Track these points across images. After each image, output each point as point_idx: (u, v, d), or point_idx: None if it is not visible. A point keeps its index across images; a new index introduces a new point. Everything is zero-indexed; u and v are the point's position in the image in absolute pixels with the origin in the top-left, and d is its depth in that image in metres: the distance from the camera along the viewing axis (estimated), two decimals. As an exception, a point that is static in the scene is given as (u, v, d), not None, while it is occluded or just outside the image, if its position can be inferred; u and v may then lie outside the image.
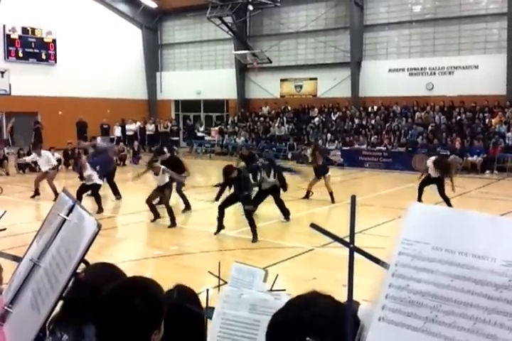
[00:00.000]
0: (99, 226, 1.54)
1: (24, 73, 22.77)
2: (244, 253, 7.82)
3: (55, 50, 24.53)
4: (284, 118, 23.73)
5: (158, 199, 10.11)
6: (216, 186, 9.08)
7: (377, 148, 19.50)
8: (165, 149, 12.15)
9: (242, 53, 23.31)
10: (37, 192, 12.52)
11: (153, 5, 26.37)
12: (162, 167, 9.76)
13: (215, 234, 8.85)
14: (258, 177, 9.93)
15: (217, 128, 25.23)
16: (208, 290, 1.96)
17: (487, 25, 20.38)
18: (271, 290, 1.99)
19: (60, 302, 1.62)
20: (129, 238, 9.22)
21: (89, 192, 11.09)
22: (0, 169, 17.38)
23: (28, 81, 22.67)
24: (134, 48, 28.44)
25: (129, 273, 1.77)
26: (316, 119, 23.02)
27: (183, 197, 11.01)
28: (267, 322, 1.24)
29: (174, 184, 10.77)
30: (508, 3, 19.22)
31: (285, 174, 10.30)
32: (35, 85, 22.88)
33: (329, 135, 21.42)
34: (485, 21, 20.37)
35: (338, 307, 1.21)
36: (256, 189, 9.93)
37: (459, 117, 19.77)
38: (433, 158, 11.28)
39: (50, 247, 1.74)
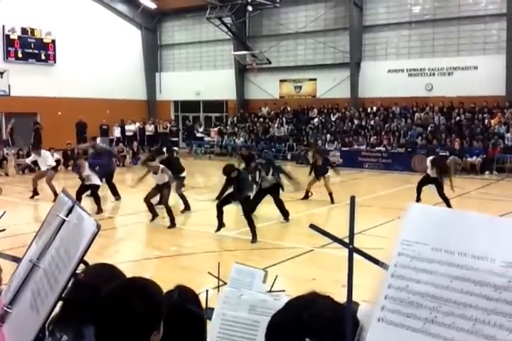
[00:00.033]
0: (98, 227, 1.54)
1: (23, 74, 22.77)
2: (243, 253, 7.82)
3: (54, 50, 24.53)
4: (284, 119, 23.74)
5: (157, 199, 10.10)
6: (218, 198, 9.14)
7: (377, 148, 19.51)
8: (164, 149, 12.16)
9: (241, 54, 23.32)
10: (36, 192, 12.51)
11: (153, 5, 26.39)
12: (161, 166, 9.76)
13: (216, 231, 8.86)
14: (257, 178, 9.94)
15: (216, 128, 25.23)
16: (207, 290, 1.96)
17: (486, 26, 20.40)
18: (270, 290, 1.99)
19: (60, 303, 1.62)
20: (128, 238, 9.22)
21: (88, 192, 11.09)
22: (-1, 169, 17.38)
23: (27, 81, 22.67)
24: (134, 49, 28.45)
25: (129, 274, 1.77)
26: (316, 120, 23.03)
27: (182, 197, 11.01)
28: (266, 323, 1.24)
29: (174, 184, 10.77)
30: (507, 3, 19.24)
31: (282, 177, 10.30)
32: (34, 86, 22.88)
33: (328, 136, 21.43)
34: (484, 22, 20.39)
35: (337, 307, 1.21)
36: (255, 187, 9.93)
37: (458, 118, 19.78)
38: (431, 157, 11.32)
39: (50, 248, 1.74)
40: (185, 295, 1.88)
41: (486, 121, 19.13)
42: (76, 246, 1.57)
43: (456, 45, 21.01)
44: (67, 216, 1.76)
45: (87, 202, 11.06)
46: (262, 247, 8.18)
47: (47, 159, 12.61)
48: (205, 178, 17.38)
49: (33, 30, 23.80)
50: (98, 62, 25.63)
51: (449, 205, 10.33)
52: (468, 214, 1.12)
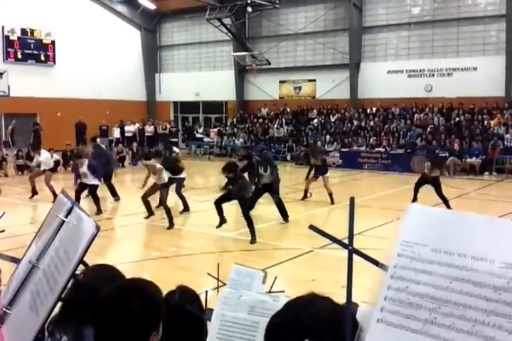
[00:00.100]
0: (97, 228, 1.54)
1: (23, 74, 22.77)
2: (243, 254, 7.82)
3: (53, 51, 24.54)
4: (283, 120, 23.75)
5: (155, 199, 10.10)
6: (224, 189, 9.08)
7: (376, 149, 19.52)
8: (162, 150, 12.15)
9: (240, 55, 23.33)
10: (34, 191, 12.50)
11: (152, 6, 26.40)
12: (158, 166, 9.76)
13: (217, 227, 8.87)
14: (255, 175, 9.97)
15: (216, 129, 25.25)
16: (206, 291, 1.96)
17: (485, 27, 20.42)
18: (270, 291, 1.99)
19: (59, 304, 1.62)
20: (127, 239, 9.21)
21: (87, 192, 11.09)
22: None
23: (26, 82, 22.67)
24: (133, 50, 28.46)
25: (128, 275, 1.77)
26: (315, 121, 23.04)
27: (182, 198, 11.01)
28: (265, 324, 1.24)
29: (173, 185, 10.78)
30: (506, 5, 19.27)
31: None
32: (34, 86, 22.89)
33: (328, 136, 21.44)
34: (483, 23, 20.42)
35: (336, 308, 1.21)
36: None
37: (457, 119, 19.79)
38: (431, 159, 11.36)
39: (49, 249, 1.74)
40: (186, 296, 1.88)
41: (486, 121, 19.14)
42: (75, 247, 1.57)
43: (456, 46, 21.04)
44: (66, 217, 1.76)
45: (86, 202, 11.06)
46: (261, 248, 8.18)
47: (46, 160, 12.62)
48: (204, 179, 17.39)
49: (32, 31, 23.81)
50: (97, 63, 25.64)
51: (448, 205, 10.34)
52: (467, 215, 1.12)
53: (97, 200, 10.86)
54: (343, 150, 20.02)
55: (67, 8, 24.34)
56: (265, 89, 25.66)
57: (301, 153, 20.13)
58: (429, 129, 19.56)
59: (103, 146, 16.22)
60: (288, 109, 24.50)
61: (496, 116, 18.97)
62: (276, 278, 2.21)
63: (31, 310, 1.63)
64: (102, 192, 11.86)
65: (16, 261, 2.04)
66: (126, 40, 27.88)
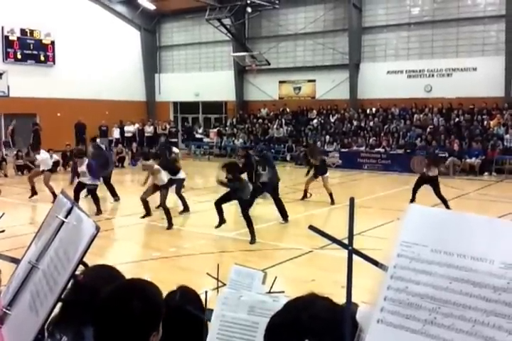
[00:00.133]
0: (97, 229, 1.54)
1: (23, 75, 22.76)
2: (242, 254, 7.82)
3: (53, 51, 24.53)
4: (283, 120, 23.75)
5: (155, 199, 10.10)
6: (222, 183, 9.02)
7: (376, 149, 19.52)
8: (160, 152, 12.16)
9: (240, 55, 23.33)
10: (34, 191, 12.50)
11: (152, 7, 26.39)
12: (155, 167, 9.76)
13: (216, 227, 8.88)
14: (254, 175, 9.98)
15: (215, 130, 25.25)
16: (206, 292, 1.96)
17: (485, 28, 20.43)
18: (270, 292, 1.99)
19: (59, 304, 1.62)
20: (127, 240, 9.21)
21: (85, 191, 11.11)
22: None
23: (26, 82, 22.67)
24: (133, 50, 28.46)
25: (128, 275, 1.77)
26: (315, 121, 23.05)
27: (181, 198, 11.01)
28: (265, 324, 1.24)
29: (173, 186, 10.79)
30: (506, 5, 19.27)
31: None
32: (33, 87, 22.88)
33: (328, 137, 21.44)
34: (483, 23, 20.42)
35: (336, 309, 1.21)
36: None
37: (457, 119, 19.80)
38: (430, 159, 11.38)
39: (49, 249, 1.74)
40: (186, 296, 1.88)
41: (485, 122, 19.14)
42: (75, 248, 1.57)
43: (455, 46, 21.04)
44: (66, 217, 1.76)
45: (85, 202, 11.06)
46: (261, 248, 8.18)
47: (44, 160, 12.64)
48: (204, 179, 17.38)
49: (32, 32, 23.80)
50: (97, 63, 25.63)
51: (447, 206, 10.34)
52: (467, 216, 1.12)
53: (96, 200, 10.87)
54: (343, 150, 20.02)
55: (66, 8, 24.33)
56: (265, 89, 25.66)
57: (300, 154, 20.13)
58: (428, 129, 19.57)
59: (103, 146, 16.21)
60: (287, 110, 24.50)
61: (495, 116, 18.97)
62: (276, 278, 2.21)
63: (31, 311, 1.63)
64: (102, 192, 11.87)
65: (15, 261, 2.04)
66: (125, 40, 27.88)
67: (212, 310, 1.74)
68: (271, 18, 24.94)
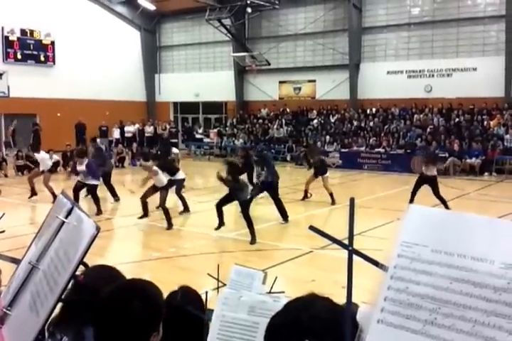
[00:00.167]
0: (98, 229, 1.54)
1: (23, 75, 22.77)
2: (243, 255, 7.82)
3: (53, 51, 24.54)
4: (283, 121, 23.75)
5: (155, 200, 10.10)
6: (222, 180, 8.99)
7: (376, 150, 19.52)
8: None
9: (240, 55, 23.33)
10: (34, 192, 12.50)
11: (152, 7, 26.40)
12: (154, 168, 9.76)
13: (216, 229, 8.88)
14: (254, 179, 9.98)
15: (215, 130, 25.25)
16: (206, 292, 1.96)
17: (485, 28, 20.43)
18: (270, 292, 1.99)
19: (60, 305, 1.62)
20: (127, 240, 9.21)
21: (85, 190, 11.12)
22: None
23: (26, 83, 22.67)
24: (133, 50, 28.47)
25: (128, 275, 1.77)
26: (315, 121, 23.05)
27: (182, 199, 11.01)
28: (265, 325, 1.24)
29: (173, 187, 10.79)
30: (506, 5, 19.27)
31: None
32: (33, 87, 22.89)
33: (328, 137, 21.44)
34: (483, 24, 20.42)
35: (336, 309, 1.21)
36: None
37: (457, 119, 19.79)
38: (425, 158, 11.39)
39: (49, 249, 1.74)
40: (188, 296, 1.88)
41: (485, 122, 19.14)
42: (75, 248, 1.57)
43: (455, 46, 21.04)
44: (66, 218, 1.76)
45: (85, 203, 11.07)
46: (261, 248, 8.18)
47: (42, 160, 12.66)
48: (204, 179, 17.38)
49: (32, 32, 23.81)
50: (97, 64, 25.64)
51: (446, 206, 10.33)
52: (467, 216, 1.12)
53: (97, 200, 10.88)
54: (343, 150, 20.01)
55: (66, 8, 24.34)
56: (265, 89, 25.66)
57: (300, 154, 20.13)
58: (428, 130, 19.57)
59: (103, 147, 16.23)
60: (288, 110, 24.50)
61: (495, 116, 18.97)
62: (276, 278, 2.21)
63: (31, 311, 1.63)
64: (102, 192, 11.87)
65: (16, 261, 2.04)
66: (125, 40, 27.88)
67: (212, 310, 1.74)
68: (271, 19, 24.94)
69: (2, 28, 22.82)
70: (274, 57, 24.61)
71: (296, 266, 7.25)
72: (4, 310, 1.75)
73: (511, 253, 1.03)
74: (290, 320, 1.17)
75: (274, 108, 24.94)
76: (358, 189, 15.40)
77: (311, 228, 1.30)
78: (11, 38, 23.20)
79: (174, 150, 14.64)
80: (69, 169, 17.09)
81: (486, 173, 17.41)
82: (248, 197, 8.98)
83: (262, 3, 22.11)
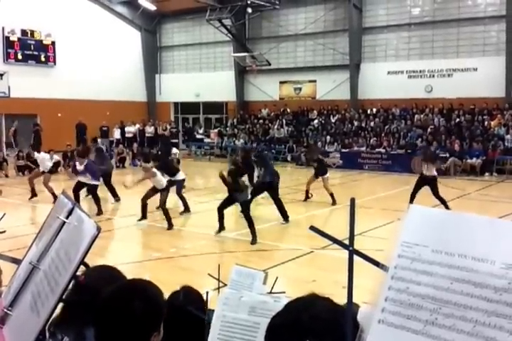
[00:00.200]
0: (98, 229, 1.54)
1: (23, 75, 22.78)
2: (243, 255, 7.82)
3: (54, 52, 24.55)
4: (284, 121, 23.75)
5: (155, 200, 10.11)
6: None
7: (377, 150, 19.52)
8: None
9: (241, 56, 23.33)
10: (34, 193, 12.50)
11: (152, 7, 26.41)
12: (153, 170, 9.75)
13: (216, 233, 8.88)
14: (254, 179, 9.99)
15: (216, 130, 25.25)
16: (207, 292, 1.96)
17: (486, 28, 20.43)
18: (270, 292, 1.99)
19: (60, 305, 1.62)
20: (128, 240, 9.21)
21: (85, 190, 11.13)
22: (-1, 171, 17.41)
23: (27, 83, 22.69)
24: (133, 50, 28.47)
25: (129, 276, 1.77)
26: (316, 121, 23.05)
27: (182, 199, 11.02)
28: (266, 325, 1.24)
29: (174, 187, 10.79)
30: (506, 5, 19.27)
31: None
32: (34, 87, 22.90)
33: (328, 137, 21.44)
34: (483, 24, 20.42)
35: (336, 309, 1.21)
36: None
37: (458, 119, 19.79)
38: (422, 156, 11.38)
39: (50, 250, 1.74)
40: (189, 297, 1.88)
41: (486, 122, 19.13)
42: (76, 248, 1.57)
43: (456, 46, 21.04)
44: (67, 218, 1.76)
45: (86, 203, 11.07)
46: (262, 248, 8.18)
47: (42, 161, 12.69)
48: (204, 180, 17.39)
49: (32, 32, 23.83)
50: (98, 64, 25.65)
51: (446, 206, 10.32)
52: (468, 216, 1.12)
53: (97, 201, 10.89)
54: (344, 150, 20.00)
55: (67, 9, 24.35)
56: (265, 89, 25.66)
57: (301, 154, 20.14)
58: (429, 130, 19.56)
59: (103, 147, 16.23)
60: (288, 110, 24.50)
61: (496, 116, 18.97)
62: (277, 278, 2.21)
63: (32, 311, 1.63)
64: (103, 192, 11.87)
65: (16, 262, 2.04)
66: (126, 40, 27.89)
67: (213, 311, 1.74)
68: (271, 19, 24.95)
69: (3, 29, 22.83)
70: (274, 57, 24.62)
71: (297, 266, 7.25)
72: (5, 310, 1.75)
73: (512, 253, 1.03)
74: (291, 320, 1.17)
75: (274, 108, 24.94)
76: (359, 189, 15.40)
77: (312, 228, 1.30)
78: (11, 39, 23.22)
79: (174, 150, 14.65)
80: (69, 169, 17.13)
81: (487, 173, 17.40)
82: (248, 197, 8.98)
83: (262, 3, 22.12)
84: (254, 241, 8.40)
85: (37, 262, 1.76)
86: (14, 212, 10.41)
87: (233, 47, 25.34)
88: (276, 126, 23.37)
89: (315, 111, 23.73)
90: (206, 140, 25.21)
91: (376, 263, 1.20)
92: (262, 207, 10.84)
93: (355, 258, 1.20)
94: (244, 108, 26.40)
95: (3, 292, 1.98)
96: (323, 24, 23.92)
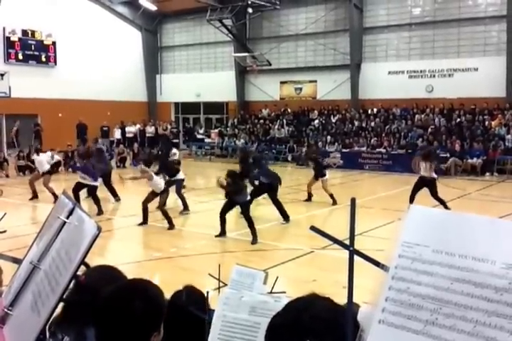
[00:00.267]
0: (99, 229, 1.54)
1: (24, 75, 22.79)
2: (244, 255, 7.82)
3: (54, 52, 24.56)
4: (284, 121, 23.75)
5: (155, 201, 10.11)
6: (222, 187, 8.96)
7: (377, 150, 19.51)
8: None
9: (241, 56, 23.34)
10: (35, 195, 12.52)
11: (153, 7, 26.41)
12: (150, 173, 9.72)
13: (216, 236, 8.87)
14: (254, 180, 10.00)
15: (217, 130, 25.26)
16: (207, 292, 1.96)
17: (486, 28, 20.42)
18: (271, 292, 1.99)
19: (61, 305, 1.62)
20: (128, 240, 9.21)
21: (85, 190, 11.14)
22: (0, 171, 17.40)
23: (27, 83, 22.69)
24: (134, 50, 28.48)
25: (129, 276, 1.77)
26: (316, 121, 23.05)
27: (182, 198, 11.03)
28: (266, 325, 1.24)
29: (173, 186, 10.80)
30: (507, 5, 19.26)
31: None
32: (35, 87, 22.91)
33: (329, 137, 21.44)
34: (484, 24, 20.41)
35: (336, 309, 1.21)
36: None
37: (458, 119, 19.78)
38: (422, 155, 11.38)
39: (50, 250, 1.74)
40: (192, 296, 1.88)
41: (487, 122, 19.13)
42: (77, 248, 1.57)
43: (457, 46, 21.03)
44: (67, 218, 1.76)
45: (86, 203, 11.07)
46: (262, 248, 8.18)
47: (41, 162, 12.70)
48: (205, 180, 17.38)
49: (33, 32, 23.84)
50: (98, 64, 25.66)
51: (446, 206, 10.31)
52: (468, 216, 1.12)
53: (97, 201, 10.90)
54: (344, 150, 19.98)
55: (67, 9, 24.36)
56: (266, 89, 25.66)
57: (301, 154, 20.14)
58: (430, 130, 19.56)
59: (103, 147, 16.24)
60: (289, 110, 24.50)
61: (497, 116, 18.96)
62: (277, 278, 2.21)
63: (33, 311, 1.63)
64: (103, 193, 11.88)
65: (17, 261, 2.04)
66: (127, 41, 27.90)
67: (214, 311, 1.74)
68: (272, 19, 24.94)
69: (3, 29, 22.84)
70: (275, 57, 24.62)
71: (297, 266, 7.26)
72: (5, 309, 1.75)
73: (512, 253, 1.03)
74: (291, 320, 1.17)
75: (275, 108, 24.94)
76: (359, 189, 15.40)
77: (312, 228, 1.30)
78: (12, 39, 23.22)
79: (174, 150, 14.64)
80: (70, 169, 17.15)
81: (488, 173, 17.39)
82: (248, 198, 8.98)
83: (263, 3, 22.12)
84: (254, 241, 8.40)
85: (37, 262, 1.76)
86: (15, 212, 10.41)
87: (234, 48, 25.34)
88: (276, 126, 23.37)
89: (315, 111, 23.73)
90: (207, 140, 25.22)
91: (377, 263, 1.20)
92: (262, 207, 10.84)
93: (356, 258, 1.20)
94: (244, 108, 26.40)
95: (3, 291, 1.98)
96: (323, 24, 23.92)
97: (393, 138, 20.05)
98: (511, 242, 1.04)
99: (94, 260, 1.86)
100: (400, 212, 8.61)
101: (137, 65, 28.65)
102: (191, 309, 1.80)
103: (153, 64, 29.40)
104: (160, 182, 9.81)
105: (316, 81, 24.46)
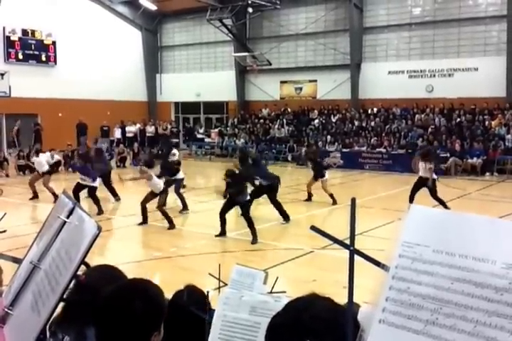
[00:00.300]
0: (99, 229, 1.54)
1: (24, 75, 22.78)
2: (244, 254, 7.82)
3: (55, 51, 24.55)
4: (284, 120, 23.75)
5: (155, 201, 10.11)
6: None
7: (377, 150, 19.51)
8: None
9: (241, 55, 23.34)
10: (35, 195, 12.53)
11: (153, 7, 26.41)
12: (149, 173, 9.72)
13: (216, 236, 8.87)
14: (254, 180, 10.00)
15: (217, 130, 25.25)
16: (208, 292, 1.96)
17: (486, 28, 20.41)
18: (271, 292, 1.99)
19: (61, 304, 1.62)
20: (128, 239, 9.22)
21: (85, 191, 11.15)
22: (0, 171, 17.40)
23: (27, 83, 22.69)
24: (134, 50, 28.47)
25: (129, 275, 1.77)
26: (316, 121, 23.05)
27: (181, 197, 11.04)
28: (267, 325, 1.24)
29: (173, 186, 10.81)
30: (507, 5, 19.25)
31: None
32: (35, 87, 22.90)
33: (329, 137, 21.44)
34: (484, 24, 20.40)
35: (336, 309, 1.21)
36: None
37: (458, 119, 19.78)
38: (421, 154, 11.37)
39: (51, 249, 1.74)
40: (193, 296, 1.88)
41: (487, 122, 19.13)
42: (77, 248, 1.57)
43: (457, 46, 21.02)
44: (67, 217, 1.76)
45: (86, 203, 11.07)
46: (262, 248, 8.18)
47: (40, 163, 12.71)
48: (205, 179, 17.39)
49: (33, 32, 23.83)
50: (98, 64, 25.65)
51: (445, 206, 10.31)
52: (468, 216, 1.12)
53: (97, 201, 10.92)
54: (344, 150, 19.99)
55: (67, 8, 24.35)
56: (266, 89, 25.66)
57: (301, 154, 20.13)
58: (430, 130, 19.55)
59: (103, 147, 16.24)
60: (289, 110, 24.50)
61: (497, 116, 18.96)
62: (277, 278, 2.21)
63: (33, 311, 1.63)
64: (103, 192, 11.88)
65: (17, 261, 2.04)
66: (127, 40, 27.89)
67: (214, 310, 1.74)
68: (272, 19, 24.94)
69: (3, 28, 22.83)
70: (275, 57, 24.61)
71: (297, 266, 7.26)
72: (6, 309, 1.75)
73: (513, 253, 1.03)
74: (291, 319, 1.17)
75: (275, 108, 24.94)
76: (360, 189, 15.40)
77: (313, 228, 1.30)
78: (12, 38, 23.22)
79: (174, 151, 14.62)
80: (70, 169, 17.15)
81: (488, 173, 17.39)
82: (247, 198, 8.98)
83: (263, 3, 22.12)
84: (254, 241, 8.40)
85: (38, 261, 1.77)
86: (15, 212, 10.41)
87: (234, 47, 25.34)
88: (276, 126, 23.37)
89: (315, 111, 23.72)
90: (207, 140, 25.21)
91: (377, 263, 1.20)
92: (262, 207, 10.83)
93: (356, 258, 1.20)
94: (244, 108, 26.39)
95: (3, 291, 1.98)
96: (323, 24, 23.91)
97: (393, 137, 20.05)
98: (511, 242, 1.04)
99: (94, 259, 1.86)
100: (400, 211, 8.62)
101: (137, 64, 28.65)
102: (192, 309, 1.80)
103: (153, 63, 29.40)
104: (159, 182, 9.80)
105: (316, 81, 24.45)
